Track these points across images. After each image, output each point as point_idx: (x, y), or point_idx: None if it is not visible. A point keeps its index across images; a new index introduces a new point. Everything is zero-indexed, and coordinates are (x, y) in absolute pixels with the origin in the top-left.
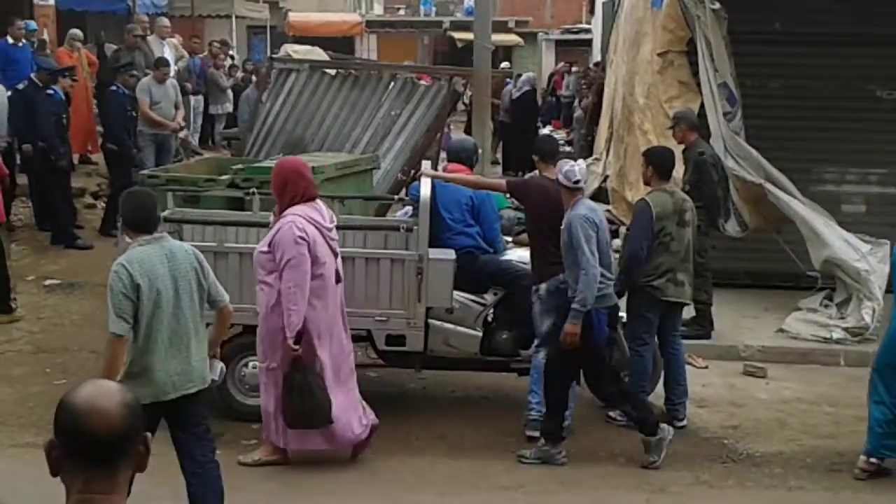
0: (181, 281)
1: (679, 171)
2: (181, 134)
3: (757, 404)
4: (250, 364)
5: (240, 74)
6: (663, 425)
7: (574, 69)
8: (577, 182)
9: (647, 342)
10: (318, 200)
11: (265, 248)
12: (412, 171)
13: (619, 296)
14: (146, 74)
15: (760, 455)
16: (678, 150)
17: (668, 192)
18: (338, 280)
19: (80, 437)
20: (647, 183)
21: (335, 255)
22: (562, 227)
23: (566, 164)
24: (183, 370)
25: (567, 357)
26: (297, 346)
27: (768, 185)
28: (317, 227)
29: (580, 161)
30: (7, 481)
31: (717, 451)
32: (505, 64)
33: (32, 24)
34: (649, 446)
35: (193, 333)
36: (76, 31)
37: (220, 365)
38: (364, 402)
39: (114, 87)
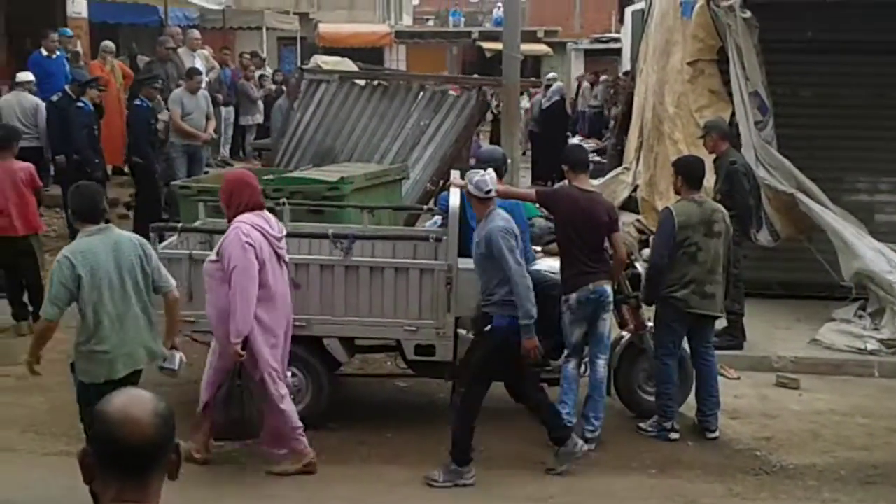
0: (125, 268)
1: (710, 180)
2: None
3: (790, 416)
4: None
5: (272, 86)
6: (578, 441)
7: (603, 78)
8: (488, 192)
9: (672, 352)
10: (265, 210)
11: (214, 257)
12: (441, 181)
13: (646, 304)
14: (178, 86)
15: (794, 467)
16: (709, 159)
17: (697, 201)
18: (296, 287)
19: (113, 445)
20: (677, 192)
21: (284, 264)
22: (476, 239)
23: (476, 175)
24: (130, 351)
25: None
26: (242, 353)
27: (799, 195)
28: (263, 235)
29: (490, 170)
30: (41, 489)
31: (750, 462)
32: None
33: (68, 31)
34: (556, 454)
35: (142, 318)
36: (108, 44)
37: (179, 355)
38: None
39: (138, 101)
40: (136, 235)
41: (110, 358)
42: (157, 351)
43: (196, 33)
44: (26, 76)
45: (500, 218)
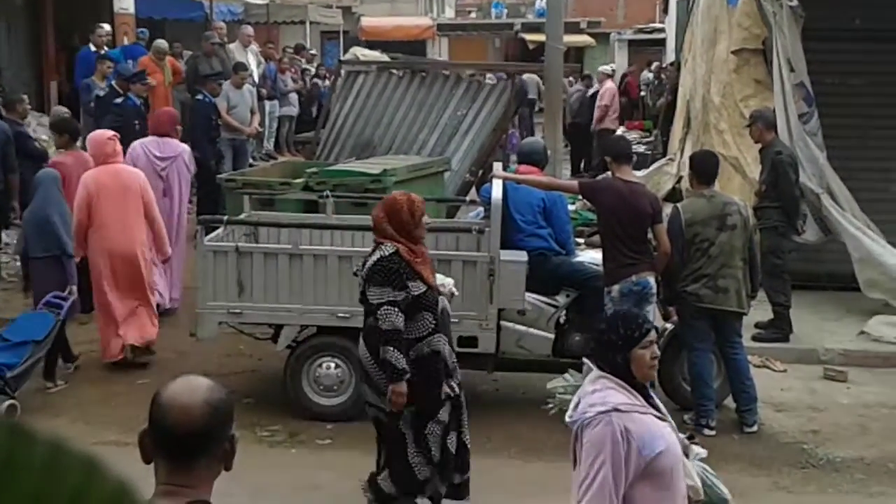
0: None
1: (756, 171)
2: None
3: (837, 409)
4: (324, 364)
5: (318, 80)
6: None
7: (654, 66)
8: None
9: (698, 347)
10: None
11: None
12: (479, 172)
13: (667, 304)
14: (198, 80)
15: (841, 460)
16: (755, 149)
17: (706, 196)
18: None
19: (161, 430)
20: (690, 185)
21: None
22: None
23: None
24: None
25: None
26: None
27: (825, 199)
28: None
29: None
30: None
31: (797, 456)
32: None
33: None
34: None
35: None
36: (162, 43)
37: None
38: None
39: (200, 96)
40: None
41: None
42: None
43: (249, 29)
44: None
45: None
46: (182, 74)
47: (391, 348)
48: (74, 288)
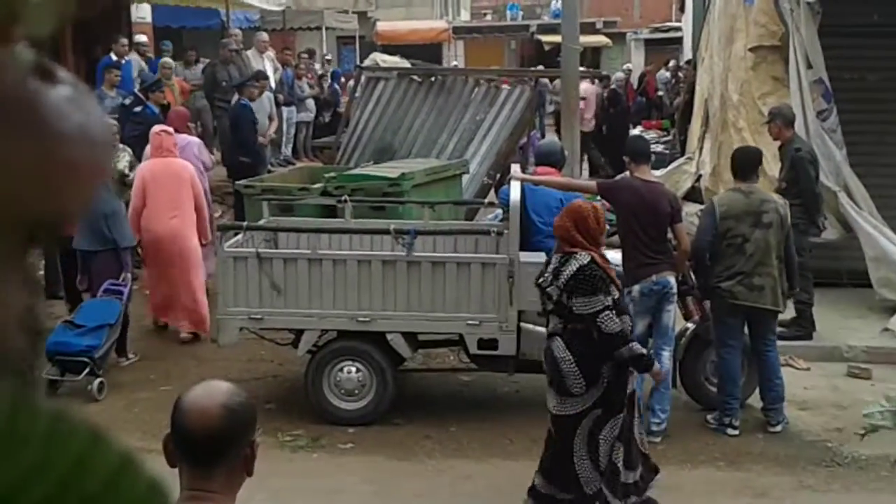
0: None
1: (776, 168)
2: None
3: (862, 406)
4: (345, 369)
5: (336, 86)
6: None
7: (671, 64)
8: None
9: (730, 345)
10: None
11: None
12: (497, 175)
13: (702, 296)
14: (233, 86)
15: (866, 458)
16: (774, 146)
17: (744, 192)
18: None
19: (180, 433)
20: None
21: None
22: None
23: None
24: None
25: None
26: None
27: (842, 196)
28: None
29: None
30: None
31: (821, 454)
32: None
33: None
34: None
35: None
36: (168, 62)
37: None
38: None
39: (242, 102)
40: None
41: None
42: None
43: (264, 35)
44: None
45: None
46: (188, 95)
47: (625, 347)
48: (129, 276)
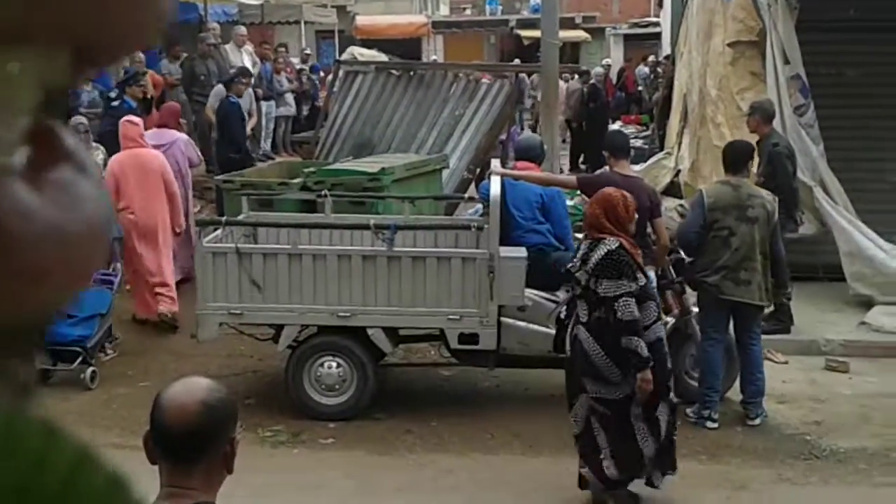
0: None
1: (753, 163)
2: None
3: (840, 399)
4: (325, 364)
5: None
6: None
7: (649, 61)
8: None
9: (714, 338)
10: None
11: None
12: (477, 170)
13: (689, 286)
14: (220, 82)
15: (844, 451)
16: (752, 141)
17: (733, 185)
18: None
19: (158, 429)
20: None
21: None
22: None
23: None
24: None
25: None
26: None
27: (817, 191)
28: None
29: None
30: None
31: (800, 447)
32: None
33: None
34: None
35: None
36: (138, 54)
37: None
38: None
39: (231, 99)
40: None
41: None
42: None
43: (242, 29)
44: None
45: None
46: (162, 87)
47: (634, 338)
48: (119, 265)
